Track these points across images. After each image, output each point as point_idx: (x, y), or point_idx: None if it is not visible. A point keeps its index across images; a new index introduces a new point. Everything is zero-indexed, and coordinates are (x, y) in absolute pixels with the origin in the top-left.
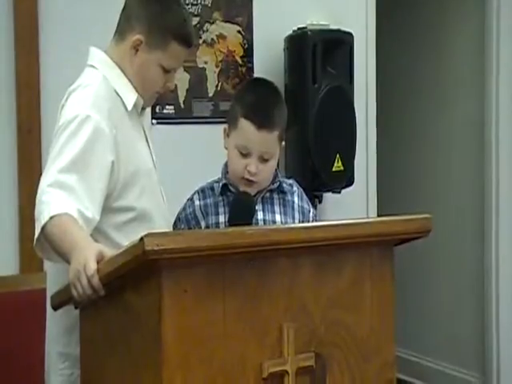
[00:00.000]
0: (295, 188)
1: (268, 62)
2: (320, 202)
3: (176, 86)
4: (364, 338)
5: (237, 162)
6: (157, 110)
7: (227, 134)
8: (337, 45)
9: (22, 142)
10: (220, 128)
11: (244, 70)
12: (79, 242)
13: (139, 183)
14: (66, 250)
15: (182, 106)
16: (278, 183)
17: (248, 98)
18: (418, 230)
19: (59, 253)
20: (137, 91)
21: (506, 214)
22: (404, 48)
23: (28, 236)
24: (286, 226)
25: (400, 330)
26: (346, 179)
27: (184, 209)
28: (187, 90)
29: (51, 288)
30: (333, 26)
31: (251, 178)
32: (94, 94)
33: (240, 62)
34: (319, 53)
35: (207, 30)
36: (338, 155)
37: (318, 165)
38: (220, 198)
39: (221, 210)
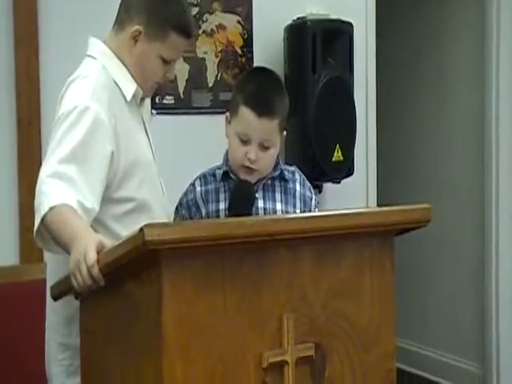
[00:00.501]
0: (297, 176)
1: (268, 52)
2: (320, 192)
3: (176, 76)
4: (364, 328)
5: (237, 149)
6: (156, 101)
7: (228, 122)
8: (337, 35)
9: (22, 134)
10: (220, 118)
11: (244, 60)
12: (79, 232)
13: (139, 174)
14: (66, 241)
15: (182, 96)
16: (280, 171)
17: (249, 86)
18: (418, 220)
19: (59, 243)
20: (136, 82)
21: (505, 205)
22: (404, 39)
23: (28, 227)
24: (286, 216)
25: (400, 320)
26: (345, 169)
27: (186, 194)
28: (187, 81)
29: (51, 279)
30: (333, 16)
31: (251, 166)
32: (93, 85)
33: (240, 52)
34: (319, 43)
35: (207, 20)
36: (337, 145)
37: (318, 155)
38: (221, 184)
39: (221, 196)
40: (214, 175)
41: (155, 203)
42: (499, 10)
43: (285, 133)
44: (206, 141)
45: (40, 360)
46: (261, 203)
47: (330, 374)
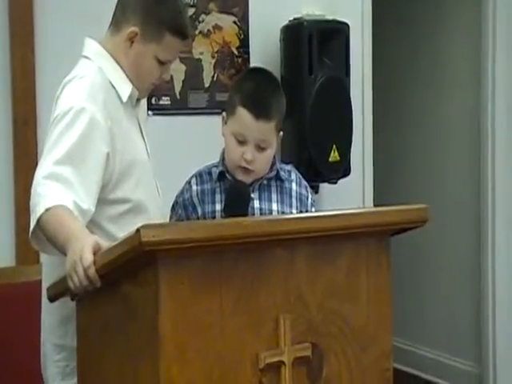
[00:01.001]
0: (293, 175)
1: (264, 53)
2: (316, 192)
3: (172, 77)
4: (361, 327)
5: (233, 149)
6: (153, 102)
7: (225, 121)
8: (333, 35)
9: (18, 134)
10: (216, 119)
11: (240, 60)
12: (75, 233)
13: (134, 175)
14: (62, 242)
15: (178, 97)
16: (276, 171)
17: (247, 87)
18: (415, 220)
19: (55, 245)
20: (132, 83)
21: (501, 203)
22: (400, 39)
23: (24, 228)
24: (282, 216)
25: (396, 320)
26: (342, 170)
27: (182, 193)
28: (183, 81)
29: (46, 280)
30: (329, 17)
31: (247, 166)
32: (89, 86)
33: (236, 52)
34: (315, 43)
35: (203, 21)
36: (334, 146)
37: (315, 155)
38: (217, 185)
39: (217, 197)
40: (210, 173)
41: (151, 204)
42: (495, 9)
43: (281, 133)
44: (202, 141)
45: (36, 361)
46: (257, 203)
47: (327, 374)
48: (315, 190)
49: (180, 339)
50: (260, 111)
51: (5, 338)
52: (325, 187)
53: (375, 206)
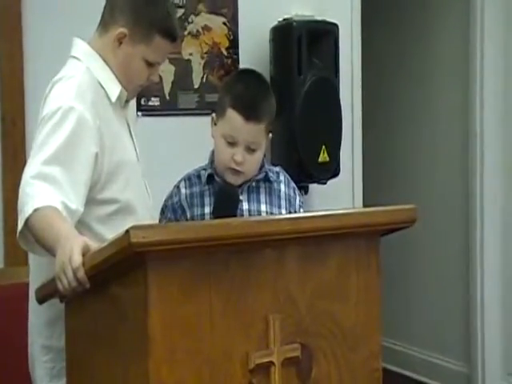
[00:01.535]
0: (282, 177)
1: (253, 54)
2: (306, 193)
3: (161, 77)
4: (350, 328)
5: (223, 150)
6: (142, 102)
7: (214, 123)
8: (322, 36)
9: (6, 134)
10: (206, 120)
11: (229, 61)
12: (64, 234)
13: (123, 175)
14: (50, 243)
15: (168, 97)
16: (265, 173)
17: (237, 89)
18: (404, 221)
19: (44, 245)
20: (120, 83)
21: (490, 203)
22: (390, 40)
23: (13, 229)
24: (272, 217)
25: (386, 320)
26: (331, 170)
27: (171, 196)
28: (172, 82)
29: (34, 281)
30: (318, 17)
31: (237, 168)
32: (77, 85)
33: (225, 53)
34: (304, 44)
35: (192, 22)
36: (323, 146)
37: (304, 156)
38: (206, 188)
39: (206, 200)
40: (198, 176)
41: (139, 205)
42: (483, 10)
43: (270, 135)
44: (192, 142)
45: (24, 363)
46: (245, 205)
47: (317, 375)
48: (305, 190)
49: (169, 340)
50: (250, 113)
51: None
52: (314, 188)
53: (365, 206)
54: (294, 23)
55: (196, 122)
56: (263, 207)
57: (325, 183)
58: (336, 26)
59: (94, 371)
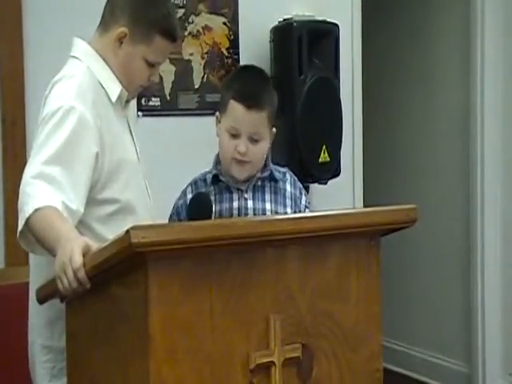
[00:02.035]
0: (288, 176)
1: (254, 54)
2: (307, 193)
3: (162, 78)
4: (350, 328)
5: (227, 144)
6: (142, 102)
7: (218, 121)
8: (322, 36)
9: (7, 135)
10: (206, 120)
11: (230, 61)
12: (64, 234)
13: (123, 175)
14: (51, 243)
15: (168, 98)
16: (270, 171)
17: (237, 83)
18: (404, 220)
19: (44, 246)
20: (121, 83)
21: (491, 203)
22: (390, 39)
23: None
24: (272, 217)
25: (386, 320)
26: (332, 170)
27: (178, 200)
28: (173, 82)
29: (34, 281)
30: (318, 17)
31: (241, 158)
32: (77, 85)
33: (226, 53)
34: (305, 44)
35: (192, 22)
36: (324, 146)
37: (305, 156)
38: (211, 188)
39: (212, 199)
40: (204, 180)
41: (140, 205)
42: (484, 9)
43: (274, 130)
44: (192, 143)
45: (25, 362)
46: (250, 204)
47: (317, 375)
48: (306, 190)
49: (170, 340)
50: (251, 102)
51: None
52: (315, 188)
53: (365, 206)
54: (295, 23)
55: (196, 122)
56: (268, 206)
57: (325, 183)
58: (336, 26)
59: (94, 371)
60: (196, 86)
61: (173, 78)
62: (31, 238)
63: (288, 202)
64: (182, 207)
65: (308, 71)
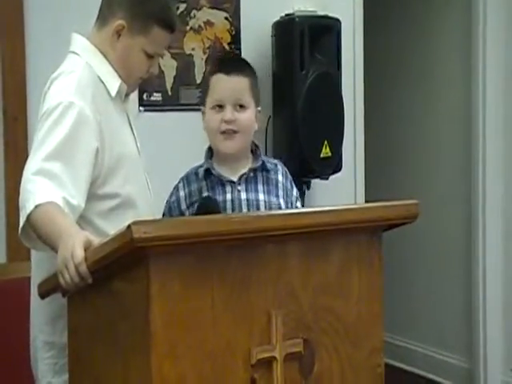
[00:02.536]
0: (279, 166)
1: (255, 49)
2: (308, 188)
3: (163, 73)
4: (352, 323)
5: (212, 118)
6: (144, 98)
7: (203, 112)
8: (324, 31)
9: (8, 130)
10: None
11: None
12: (66, 230)
13: (124, 169)
14: (52, 239)
15: (170, 93)
16: (261, 162)
17: (216, 62)
18: (405, 216)
19: (46, 241)
20: (120, 77)
21: (492, 199)
22: (391, 36)
23: (15, 225)
24: (274, 212)
25: (388, 316)
26: (333, 165)
27: (170, 196)
28: (174, 77)
29: (35, 276)
30: (320, 12)
31: (229, 127)
32: (77, 81)
33: (227, 48)
34: (307, 39)
35: (194, 17)
36: (325, 141)
37: (306, 151)
38: (204, 183)
39: (205, 194)
40: (196, 174)
41: (140, 199)
42: (485, 8)
43: (259, 108)
44: (194, 137)
45: (26, 357)
46: (244, 195)
47: (319, 370)
48: (307, 186)
49: (171, 335)
50: (230, 67)
51: None
52: (316, 183)
53: (366, 201)
54: (297, 18)
55: (198, 117)
56: (261, 196)
57: (327, 178)
58: (338, 21)
59: (95, 366)
60: (198, 81)
61: (174, 73)
62: (32, 235)
63: (280, 192)
64: (175, 204)
65: (310, 66)
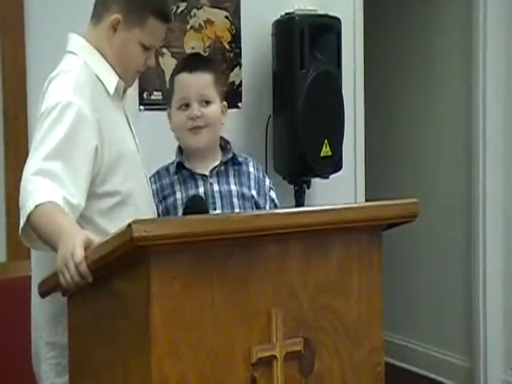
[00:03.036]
0: (250, 159)
1: (256, 48)
2: (308, 187)
3: (163, 71)
4: (352, 322)
5: (179, 117)
6: (144, 97)
7: (169, 114)
8: (324, 30)
9: (9, 129)
10: None
11: (231, 55)
12: (66, 229)
13: (123, 167)
14: (53, 238)
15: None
16: (232, 154)
17: (179, 63)
18: (406, 215)
19: (46, 241)
20: (117, 74)
21: (492, 197)
22: (392, 34)
23: (15, 224)
24: (274, 211)
25: (388, 314)
26: (334, 164)
27: None
28: None
29: (35, 273)
30: (320, 11)
31: (196, 123)
32: (75, 80)
33: (228, 47)
34: (307, 38)
35: (194, 16)
36: (326, 140)
37: (306, 150)
38: (175, 177)
39: (177, 187)
40: (167, 169)
41: (140, 196)
42: (485, 8)
43: (225, 103)
44: None
45: (27, 357)
46: (216, 187)
47: (319, 369)
48: (307, 185)
49: (172, 334)
50: (192, 65)
51: None
52: (316, 182)
53: (367, 200)
54: (297, 17)
55: None
56: (233, 187)
57: (327, 178)
58: (338, 20)
59: (96, 365)
60: None
61: None
62: (33, 235)
63: (252, 184)
64: None
65: (310, 65)
